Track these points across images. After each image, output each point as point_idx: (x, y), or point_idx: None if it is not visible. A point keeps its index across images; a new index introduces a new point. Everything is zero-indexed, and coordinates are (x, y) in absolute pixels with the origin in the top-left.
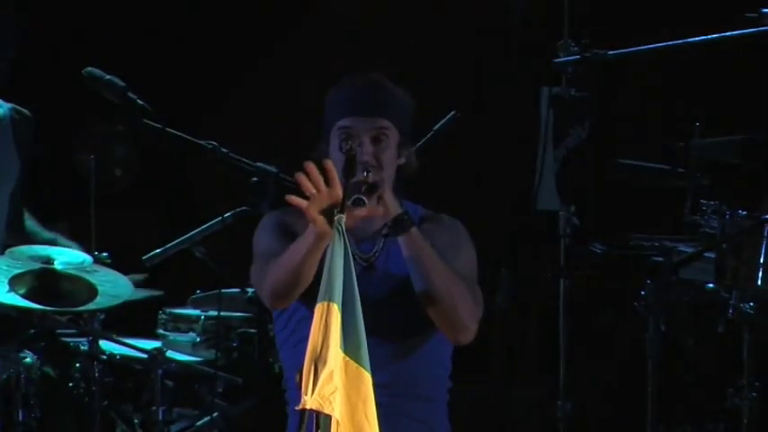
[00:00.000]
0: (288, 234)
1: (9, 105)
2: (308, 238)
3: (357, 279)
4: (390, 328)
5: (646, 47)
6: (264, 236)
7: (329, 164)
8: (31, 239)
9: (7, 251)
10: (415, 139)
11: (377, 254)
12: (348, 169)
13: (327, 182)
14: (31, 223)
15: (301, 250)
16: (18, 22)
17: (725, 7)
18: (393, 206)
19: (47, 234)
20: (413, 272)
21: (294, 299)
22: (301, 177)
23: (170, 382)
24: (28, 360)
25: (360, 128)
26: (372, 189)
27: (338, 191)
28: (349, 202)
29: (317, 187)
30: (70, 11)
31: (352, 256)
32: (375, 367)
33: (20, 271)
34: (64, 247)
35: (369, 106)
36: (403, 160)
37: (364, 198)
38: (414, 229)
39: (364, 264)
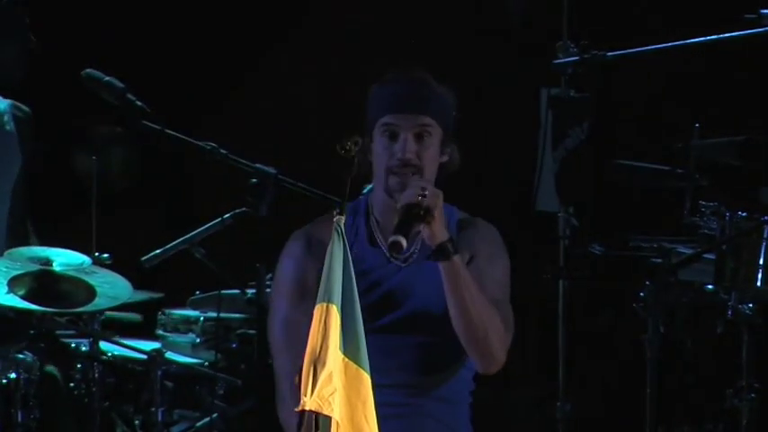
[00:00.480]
0: (315, 258)
1: (9, 102)
2: None
3: (390, 275)
4: (420, 327)
5: (645, 48)
6: (288, 266)
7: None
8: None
9: (6, 252)
10: None
11: (414, 254)
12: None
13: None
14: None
15: None
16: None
17: (724, 8)
18: (440, 232)
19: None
20: (449, 300)
21: None
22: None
23: (170, 384)
24: (27, 361)
25: (403, 125)
26: (425, 215)
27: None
28: (387, 243)
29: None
30: (68, 10)
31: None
32: (399, 366)
33: (19, 272)
34: None
35: (412, 103)
36: (446, 158)
37: (401, 240)
38: (456, 258)
39: (403, 263)
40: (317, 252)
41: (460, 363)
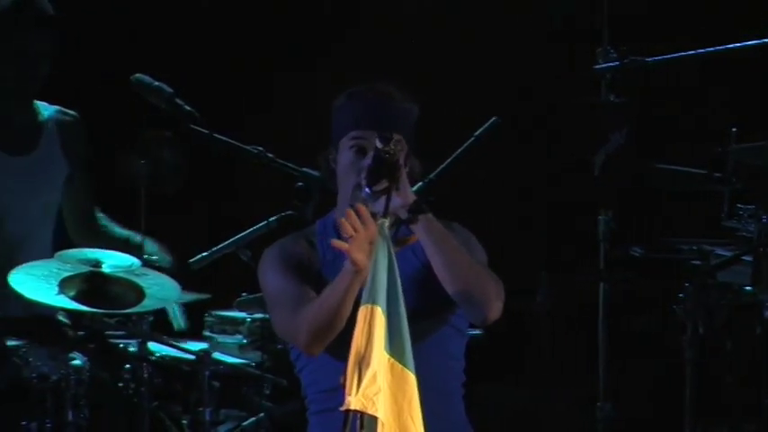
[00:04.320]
0: (296, 267)
1: (55, 108)
2: (345, 278)
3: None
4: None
5: (684, 53)
6: (275, 278)
7: (360, 207)
8: (105, 237)
9: (57, 254)
10: (456, 145)
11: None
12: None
13: (362, 222)
14: (105, 222)
15: (339, 291)
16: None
17: (763, 11)
18: (410, 192)
19: (119, 230)
20: (435, 255)
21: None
22: (342, 221)
23: (217, 384)
24: (77, 362)
25: (372, 141)
26: (393, 170)
27: (373, 228)
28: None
29: (354, 228)
30: (116, 16)
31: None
32: None
33: (69, 274)
34: (138, 247)
35: (381, 120)
36: (407, 169)
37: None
38: (431, 215)
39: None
40: (292, 263)
41: (447, 352)
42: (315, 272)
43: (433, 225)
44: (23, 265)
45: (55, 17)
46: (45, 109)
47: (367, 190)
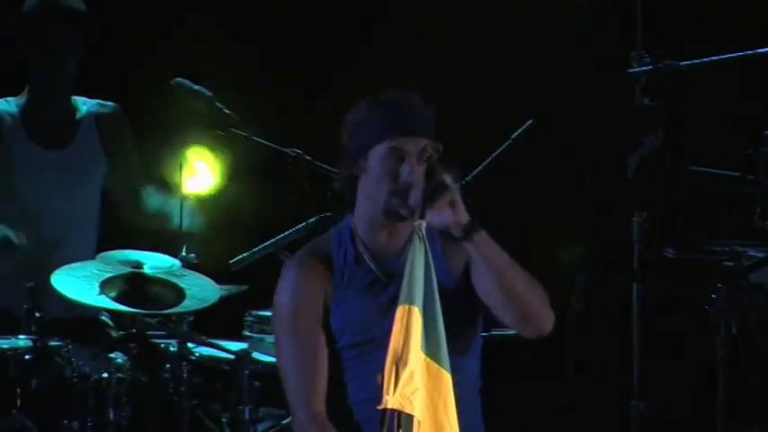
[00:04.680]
0: (309, 328)
1: (93, 102)
2: None
3: (381, 289)
4: None
5: (717, 57)
6: (287, 347)
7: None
8: (151, 216)
9: (98, 256)
10: (493, 147)
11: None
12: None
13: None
14: (155, 199)
15: None
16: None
17: None
18: (464, 213)
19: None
20: (492, 274)
21: None
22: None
23: (256, 383)
24: (119, 361)
25: (409, 148)
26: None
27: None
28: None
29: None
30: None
31: (377, 277)
32: None
33: (110, 275)
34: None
35: (416, 126)
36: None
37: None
38: (484, 232)
39: (386, 280)
40: (314, 276)
41: (465, 354)
42: (325, 310)
43: (487, 243)
44: (65, 266)
45: (82, 13)
46: (83, 104)
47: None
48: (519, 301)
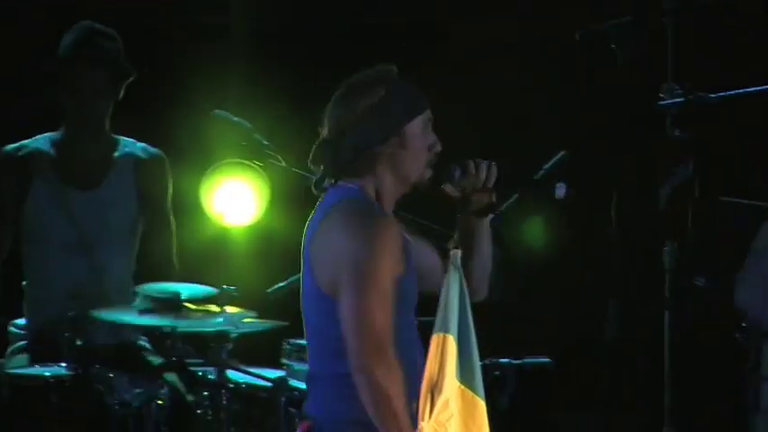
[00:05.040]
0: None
1: (139, 145)
2: None
3: None
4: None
5: (747, 89)
6: (385, 272)
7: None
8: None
9: (137, 288)
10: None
11: None
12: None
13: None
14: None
15: None
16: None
17: None
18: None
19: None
20: (485, 249)
21: None
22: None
23: (293, 410)
24: (159, 389)
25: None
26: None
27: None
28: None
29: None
30: (198, 54)
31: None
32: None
33: (149, 305)
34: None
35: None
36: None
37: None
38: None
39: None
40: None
41: None
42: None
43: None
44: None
45: (110, 56)
46: (126, 145)
47: (458, 172)
48: (485, 278)
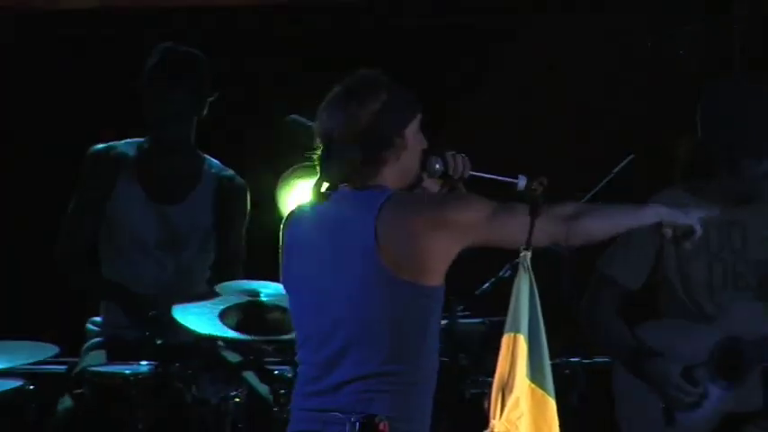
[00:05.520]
0: None
1: (228, 172)
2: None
3: None
4: None
5: None
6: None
7: None
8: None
9: (217, 287)
10: (595, 182)
11: None
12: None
13: None
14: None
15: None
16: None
17: None
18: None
19: None
20: None
21: None
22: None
23: None
24: (237, 386)
25: None
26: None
27: None
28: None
29: None
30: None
31: None
32: None
33: (228, 305)
34: None
35: None
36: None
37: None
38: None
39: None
40: None
41: None
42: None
43: None
44: (185, 305)
45: (190, 80)
46: (212, 167)
47: (438, 164)
48: None
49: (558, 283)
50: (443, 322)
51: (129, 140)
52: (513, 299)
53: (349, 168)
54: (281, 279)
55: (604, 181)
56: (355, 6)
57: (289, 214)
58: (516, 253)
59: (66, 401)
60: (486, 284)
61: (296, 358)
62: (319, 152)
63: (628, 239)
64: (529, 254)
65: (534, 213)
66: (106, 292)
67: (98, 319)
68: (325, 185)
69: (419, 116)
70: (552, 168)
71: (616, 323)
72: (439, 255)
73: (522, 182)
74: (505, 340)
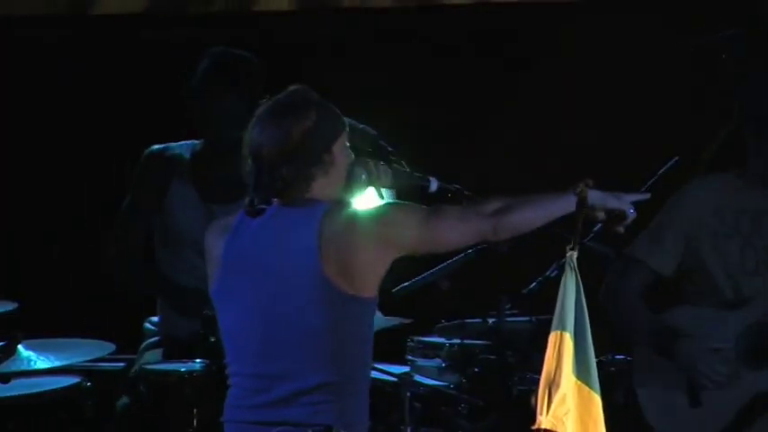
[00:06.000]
0: None
1: None
2: (563, 207)
3: None
4: None
5: None
6: None
7: None
8: None
9: None
10: (641, 183)
11: None
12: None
13: None
14: None
15: (553, 213)
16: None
17: None
18: None
19: None
20: None
21: None
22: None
23: (418, 404)
24: None
25: None
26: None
27: None
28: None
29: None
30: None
31: None
32: None
33: None
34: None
35: None
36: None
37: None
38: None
39: None
40: None
41: None
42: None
43: None
44: None
45: (240, 84)
46: None
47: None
48: None
49: (603, 282)
50: (491, 321)
51: (184, 142)
52: (559, 297)
53: (281, 184)
54: (210, 290)
55: (650, 181)
56: None
57: (214, 225)
58: (563, 252)
59: (124, 399)
60: (534, 284)
61: (227, 371)
62: (248, 168)
63: (659, 225)
64: (575, 254)
65: (579, 211)
66: (160, 290)
67: (155, 318)
68: (256, 201)
69: (345, 132)
70: (600, 166)
71: (643, 306)
72: (376, 266)
73: (434, 184)
74: (552, 338)
